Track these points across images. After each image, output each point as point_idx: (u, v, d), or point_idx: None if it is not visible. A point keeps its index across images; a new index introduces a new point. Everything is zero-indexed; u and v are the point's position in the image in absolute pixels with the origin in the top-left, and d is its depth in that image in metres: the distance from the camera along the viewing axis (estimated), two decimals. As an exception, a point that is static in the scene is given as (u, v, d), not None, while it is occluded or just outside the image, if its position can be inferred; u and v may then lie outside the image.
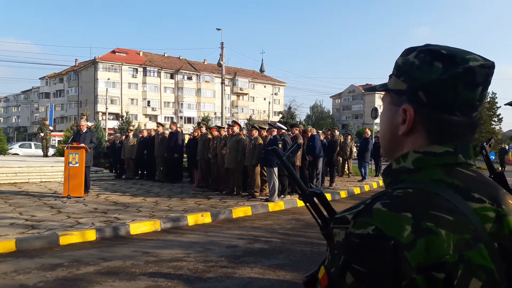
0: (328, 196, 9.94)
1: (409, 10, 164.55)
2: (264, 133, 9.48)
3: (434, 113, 0.71)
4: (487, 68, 0.70)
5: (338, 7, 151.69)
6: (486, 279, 0.61)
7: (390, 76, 0.79)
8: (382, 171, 0.79)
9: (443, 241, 0.60)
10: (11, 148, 24.47)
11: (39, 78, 69.77)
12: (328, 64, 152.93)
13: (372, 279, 0.59)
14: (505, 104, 1.33)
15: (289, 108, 30.92)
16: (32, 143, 28.79)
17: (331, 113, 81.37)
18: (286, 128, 10.25)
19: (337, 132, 13.18)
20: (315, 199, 0.87)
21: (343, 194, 10.56)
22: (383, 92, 0.81)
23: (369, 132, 13.78)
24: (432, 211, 0.63)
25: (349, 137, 14.18)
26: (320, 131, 13.50)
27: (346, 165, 14.73)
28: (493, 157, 24.10)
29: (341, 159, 14.09)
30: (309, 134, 10.49)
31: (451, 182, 0.68)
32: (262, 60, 73.47)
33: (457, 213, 0.64)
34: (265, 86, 71.17)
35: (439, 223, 0.61)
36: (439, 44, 0.74)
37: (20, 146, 27.43)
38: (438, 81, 0.70)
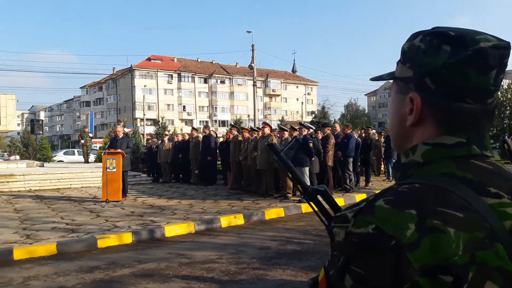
0: (363, 196, 9.72)
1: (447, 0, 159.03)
2: (296, 133, 9.41)
3: (443, 101, 0.65)
4: (501, 48, 0.63)
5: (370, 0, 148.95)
6: (503, 282, 0.54)
7: (397, 63, 0.73)
8: None
9: (451, 241, 0.54)
10: (55, 156, 25.71)
11: (80, 88, 73.02)
12: (362, 61, 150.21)
13: (372, 282, 0.54)
14: None
15: (323, 107, 30.59)
16: (76, 150, 30.13)
17: (366, 111, 79.61)
18: (313, 128, 10.26)
19: (372, 131, 12.86)
20: (319, 196, 0.82)
21: (380, 193, 10.28)
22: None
23: None
24: (440, 207, 0.56)
25: (382, 136, 13.84)
26: (353, 130, 13.26)
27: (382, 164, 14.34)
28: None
29: (375, 158, 13.74)
30: (348, 131, 10.39)
31: (462, 175, 0.62)
32: (294, 60, 73.30)
33: (469, 209, 0.57)
34: (297, 87, 70.79)
35: (447, 221, 0.55)
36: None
37: (64, 154, 28.86)
38: (445, 65, 0.63)
